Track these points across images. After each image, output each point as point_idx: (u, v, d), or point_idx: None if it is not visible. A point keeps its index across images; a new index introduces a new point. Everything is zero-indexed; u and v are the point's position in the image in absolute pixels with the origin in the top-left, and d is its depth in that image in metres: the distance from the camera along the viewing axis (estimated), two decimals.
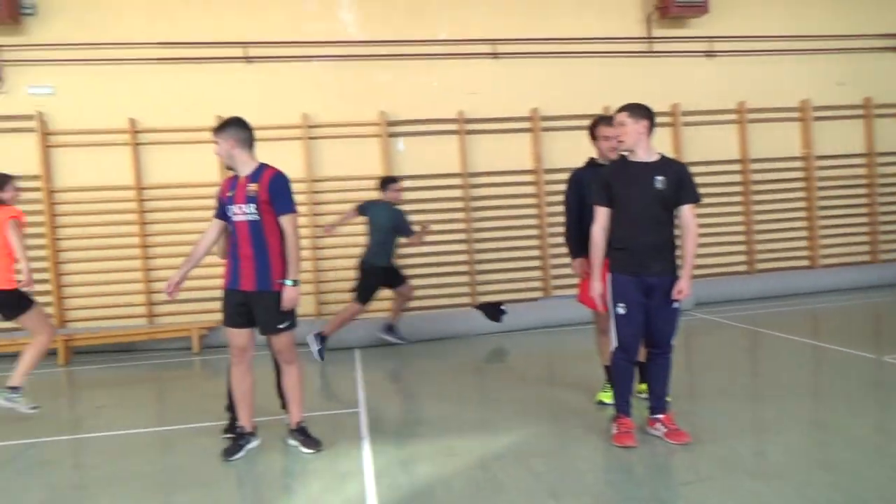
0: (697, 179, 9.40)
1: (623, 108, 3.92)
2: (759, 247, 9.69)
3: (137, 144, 8.30)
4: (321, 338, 6.72)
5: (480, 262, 8.98)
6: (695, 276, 9.53)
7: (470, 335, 7.68)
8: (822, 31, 9.76)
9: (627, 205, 3.87)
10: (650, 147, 3.92)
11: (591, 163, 4.66)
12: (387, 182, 6.99)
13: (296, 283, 3.96)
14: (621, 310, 3.90)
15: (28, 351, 5.13)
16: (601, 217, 3.96)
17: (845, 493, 3.14)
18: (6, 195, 5.22)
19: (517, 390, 5.41)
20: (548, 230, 8.99)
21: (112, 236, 8.29)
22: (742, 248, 9.68)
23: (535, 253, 9.14)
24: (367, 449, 4.14)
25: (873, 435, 3.96)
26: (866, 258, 10.03)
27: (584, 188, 4.39)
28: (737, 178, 9.65)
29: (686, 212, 3.94)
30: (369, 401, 5.25)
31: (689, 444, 3.85)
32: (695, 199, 3.95)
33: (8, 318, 5.20)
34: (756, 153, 9.64)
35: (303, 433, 4.21)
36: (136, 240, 8.28)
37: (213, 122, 8.22)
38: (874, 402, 4.70)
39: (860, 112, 10.00)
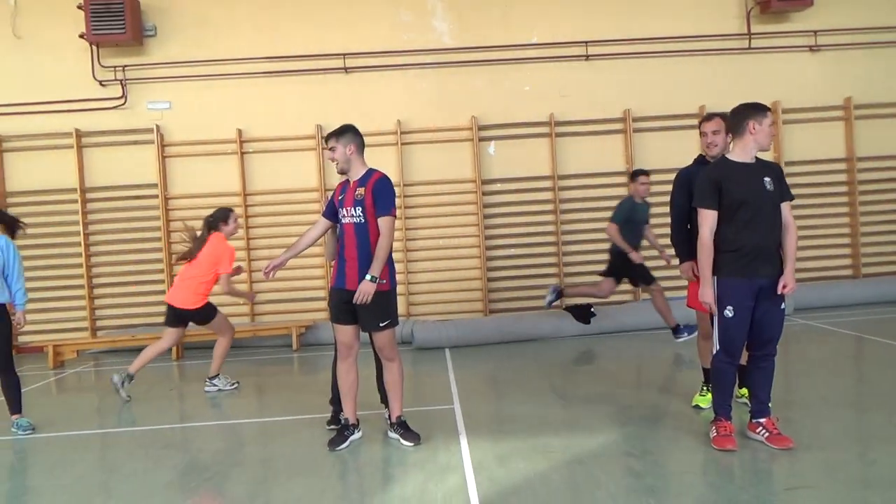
0: (800, 179, 9.10)
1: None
2: (866, 250, 9.21)
3: (244, 153, 8.83)
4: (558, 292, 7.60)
5: (569, 264, 8.99)
6: (797, 280, 9.20)
7: (558, 337, 7.72)
8: None
9: (739, 207, 3.85)
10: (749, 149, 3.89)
11: (701, 160, 4.56)
12: (636, 175, 7.04)
13: (374, 279, 4.09)
14: (729, 313, 3.87)
15: (219, 346, 6.27)
16: (710, 220, 3.91)
17: None
18: (227, 227, 6.13)
19: (608, 391, 5.43)
20: None
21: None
22: (847, 251, 9.23)
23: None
24: (464, 443, 4.29)
25: None
26: None
27: (694, 187, 4.34)
28: (842, 177, 9.21)
29: (786, 210, 3.91)
30: (462, 398, 5.41)
31: (793, 448, 3.78)
32: (791, 197, 3.98)
33: (201, 324, 6.29)
34: (864, 151, 9.17)
35: (403, 427, 4.40)
36: (241, 242, 8.80)
37: (314, 132, 8.73)
38: None
39: None
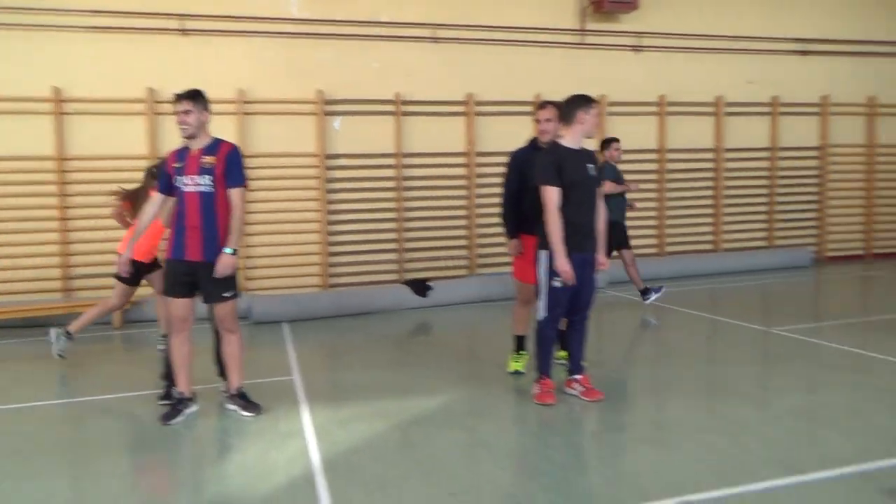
0: (620, 166, 9.96)
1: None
2: (671, 231, 10.39)
3: (62, 114, 8.09)
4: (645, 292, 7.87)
5: (410, 240, 9.26)
6: (610, 258, 10.15)
7: (397, 310, 7.96)
8: (736, 32, 10.48)
9: (574, 187, 4.23)
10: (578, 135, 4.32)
11: (533, 144, 4.88)
12: (609, 142, 7.81)
13: (235, 252, 4.13)
14: (558, 283, 4.26)
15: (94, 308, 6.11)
16: (556, 196, 4.19)
17: (733, 439, 3.63)
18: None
19: (444, 359, 5.74)
20: (476, 211, 9.35)
21: (27, 208, 8.05)
22: (654, 231, 10.36)
23: (464, 233, 9.50)
24: (305, 411, 4.37)
25: (760, 392, 4.51)
26: (763, 243, 10.93)
27: (526, 168, 4.68)
28: (654, 166, 10.29)
29: (598, 195, 4.43)
30: (303, 369, 5.46)
31: (602, 400, 4.29)
32: (602, 183, 4.54)
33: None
34: (672, 144, 10.30)
35: (243, 398, 4.39)
36: (54, 212, 8.08)
37: (144, 95, 8.18)
38: (762, 366, 5.30)
39: (767, 109, 10.82)
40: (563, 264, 4.17)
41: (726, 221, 10.70)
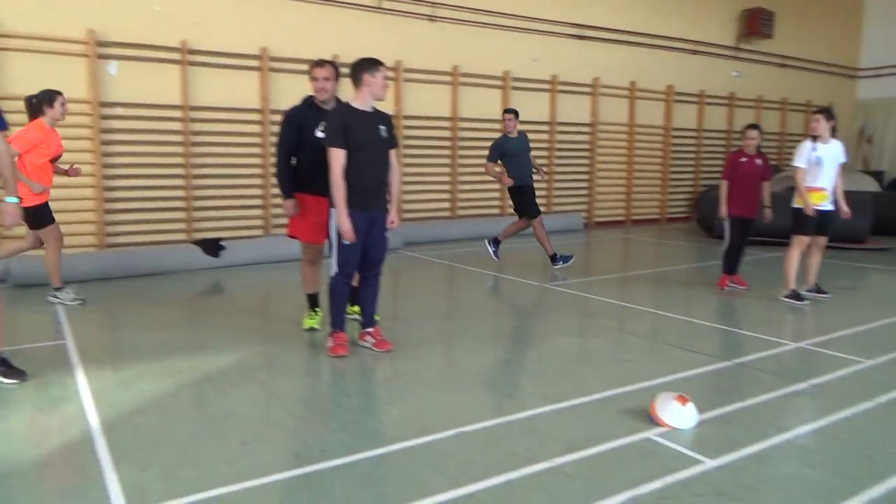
0: (414, 133, 10.27)
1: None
2: (462, 195, 11.01)
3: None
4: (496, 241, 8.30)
5: (199, 198, 8.81)
6: (405, 219, 10.48)
7: (186, 271, 7.59)
8: (523, 13, 11.22)
9: (361, 148, 4.31)
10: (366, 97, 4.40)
11: (309, 101, 4.84)
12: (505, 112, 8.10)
13: (17, 200, 3.82)
14: (347, 241, 4.36)
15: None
16: (341, 158, 4.26)
17: (508, 378, 4.06)
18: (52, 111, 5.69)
19: (236, 318, 5.64)
20: (271, 170, 9.13)
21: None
22: (447, 195, 10.91)
23: (258, 192, 9.25)
24: (80, 374, 4.08)
25: (534, 338, 5.05)
26: (542, 209, 11.99)
27: (304, 125, 4.69)
28: (447, 133, 10.77)
29: (392, 156, 4.57)
30: (76, 332, 5.04)
31: (392, 350, 4.54)
32: (397, 145, 4.71)
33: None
34: (464, 113, 10.84)
35: (3, 364, 3.98)
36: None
37: None
38: (539, 314, 5.92)
39: (548, 87, 11.79)
40: (345, 223, 4.28)
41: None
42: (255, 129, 9.10)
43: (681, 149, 13.90)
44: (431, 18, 10.38)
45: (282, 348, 4.72)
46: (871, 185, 12.69)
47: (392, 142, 4.55)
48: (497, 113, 11.18)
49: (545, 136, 11.87)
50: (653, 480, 2.78)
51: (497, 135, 11.19)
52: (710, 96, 14.05)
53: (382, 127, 4.45)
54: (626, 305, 6.20)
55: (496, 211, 11.49)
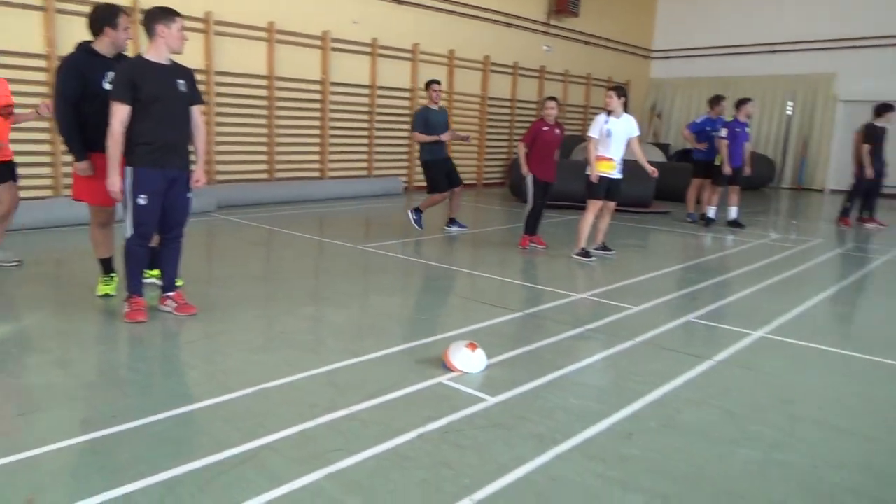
0: (226, 90, 9.85)
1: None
2: (279, 157, 10.78)
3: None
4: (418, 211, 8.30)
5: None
6: (219, 181, 10.11)
7: None
8: None
9: (155, 103, 4.09)
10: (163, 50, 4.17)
11: (84, 46, 4.44)
12: (429, 84, 8.07)
13: None
14: (143, 200, 4.15)
15: None
16: (122, 113, 4.02)
17: (314, 337, 4.16)
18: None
19: (22, 286, 5.17)
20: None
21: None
22: (264, 157, 10.63)
23: (46, 148, 8.41)
24: None
25: (359, 296, 5.17)
26: (364, 172, 12.11)
27: (88, 77, 4.34)
28: (263, 92, 10.43)
29: (196, 113, 4.39)
30: None
31: (198, 314, 4.44)
32: (201, 101, 4.52)
33: None
34: (281, 72, 10.55)
35: None
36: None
37: None
38: (356, 276, 6.04)
39: (368, 50, 11.78)
40: (113, 184, 4.11)
41: (332, 151, 11.51)
42: (41, 76, 8.21)
43: (496, 117, 14.61)
44: None
45: (73, 316, 4.42)
46: (657, 156, 14.23)
47: (193, 97, 4.36)
48: (317, 74, 11.04)
49: (366, 101, 11.91)
50: (440, 419, 3.04)
51: (315, 95, 11.12)
52: (523, 68, 14.85)
53: (181, 81, 4.26)
54: (436, 265, 6.52)
55: (316, 174, 11.40)
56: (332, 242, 7.46)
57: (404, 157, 12.82)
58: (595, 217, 6.94)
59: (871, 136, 9.82)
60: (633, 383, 3.58)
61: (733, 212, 9.71)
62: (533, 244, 7.42)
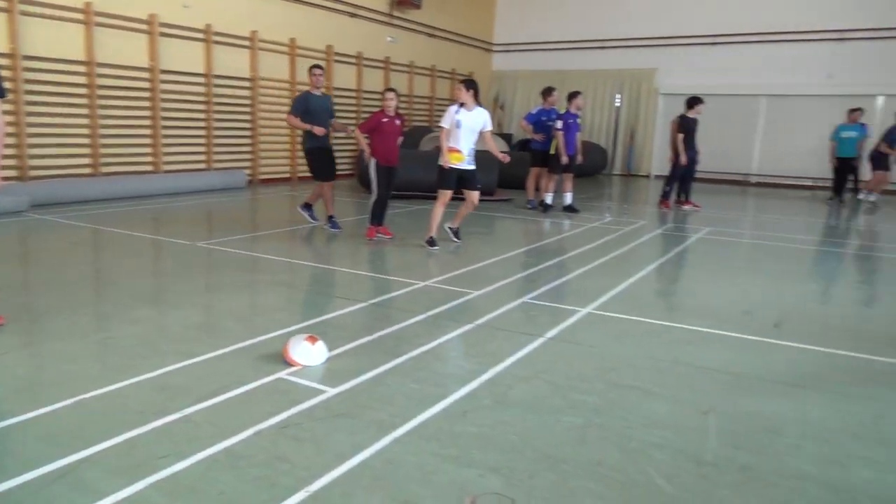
0: (40, 77, 9.03)
1: None
2: (104, 150, 9.97)
3: None
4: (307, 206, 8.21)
5: None
6: (33, 177, 9.22)
7: None
8: None
9: None
10: None
11: None
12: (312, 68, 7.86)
13: None
14: None
15: None
16: None
17: (142, 339, 3.92)
18: None
19: None
20: None
21: None
22: (87, 150, 9.79)
23: None
24: None
25: (193, 295, 4.91)
26: (203, 165, 11.53)
27: None
28: (83, 80, 9.59)
29: None
30: None
31: (4, 325, 4.02)
32: (3, 94, 4.07)
33: None
34: (103, 58, 9.75)
35: None
36: None
37: None
38: (192, 275, 5.73)
39: (202, 36, 11.18)
40: None
41: (166, 143, 10.83)
42: None
43: (342, 108, 14.44)
44: None
45: None
46: (501, 146, 14.80)
47: None
48: (143, 61, 10.33)
49: (202, 90, 11.32)
50: (278, 414, 2.99)
51: (143, 84, 10.41)
52: (367, 59, 14.81)
53: None
54: (280, 259, 6.37)
55: (149, 168, 10.68)
56: (167, 240, 7.04)
57: (247, 148, 12.35)
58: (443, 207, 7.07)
59: (684, 127, 10.84)
60: (469, 364, 3.73)
61: (568, 198, 10.33)
62: (380, 234, 7.45)
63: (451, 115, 6.88)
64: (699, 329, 4.57)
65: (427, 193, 9.48)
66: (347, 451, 2.70)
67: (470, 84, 6.95)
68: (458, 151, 6.89)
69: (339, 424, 2.93)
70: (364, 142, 7.30)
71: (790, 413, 3.24)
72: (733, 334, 4.46)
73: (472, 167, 7.04)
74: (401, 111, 7.59)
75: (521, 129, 17.43)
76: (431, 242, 7.02)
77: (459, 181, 7.00)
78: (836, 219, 11.10)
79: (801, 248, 8.02)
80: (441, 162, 6.96)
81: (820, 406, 3.34)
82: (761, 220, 10.71)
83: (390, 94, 7.27)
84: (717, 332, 4.50)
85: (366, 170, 8.16)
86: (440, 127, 7.05)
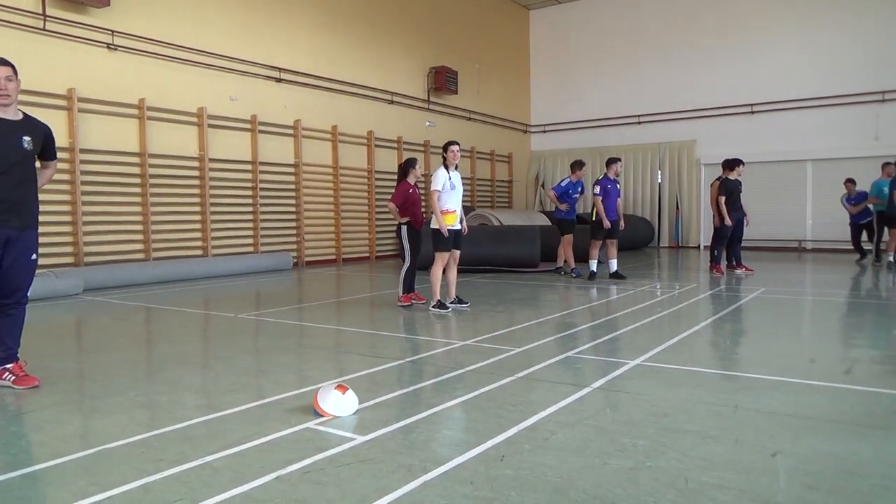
0: (96, 168, 9.49)
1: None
2: (156, 236, 10.29)
3: None
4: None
5: None
6: (87, 263, 9.46)
7: None
8: (218, 50, 11.07)
9: None
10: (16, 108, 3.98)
11: None
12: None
13: None
14: None
15: None
16: None
17: (171, 396, 3.82)
18: None
19: None
20: None
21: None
22: (140, 236, 10.11)
23: None
24: None
25: (228, 358, 4.84)
26: (250, 249, 11.76)
27: None
28: (136, 170, 10.04)
29: (45, 170, 4.17)
30: None
31: (38, 386, 3.99)
32: (55, 157, 4.30)
33: None
34: (155, 149, 10.23)
35: None
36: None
37: None
38: (230, 341, 5.68)
39: (248, 126, 11.70)
40: None
41: (214, 228, 11.14)
42: None
43: (384, 190, 14.73)
44: (111, 47, 9.72)
45: None
46: (542, 221, 14.77)
47: (37, 153, 4.11)
48: (194, 150, 10.81)
49: (248, 176, 11.72)
50: (302, 460, 2.81)
51: (193, 172, 10.83)
52: (407, 142, 15.20)
53: (26, 138, 4.00)
54: (319, 326, 6.29)
55: (198, 252, 10.95)
56: (212, 314, 7.07)
57: (292, 232, 12.60)
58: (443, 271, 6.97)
59: (726, 188, 10.59)
60: (508, 413, 3.49)
61: (613, 264, 10.09)
62: (414, 300, 7.36)
63: (444, 178, 6.87)
64: (761, 377, 4.23)
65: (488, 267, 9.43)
66: (372, 493, 2.48)
67: (448, 145, 7.00)
68: (454, 212, 6.88)
69: (365, 469, 2.73)
70: (395, 211, 7.35)
71: (868, 454, 2.89)
72: (800, 381, 4.10)
73: (461, 227, 7.04)
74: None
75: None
76: (442, 306, 6.87)
77: (453, 243, 6.99)
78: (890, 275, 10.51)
79: (861, 303, 7.54)
80: (435, 226, 6.87)
81: None
82: (818, 280, 10.21)
83: (417, 167, 7.44)
84: (781, 378, 4.15)
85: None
86: (434, 191, 6.94)
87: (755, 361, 4.70)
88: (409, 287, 7.36)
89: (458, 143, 7.16)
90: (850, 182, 12.95)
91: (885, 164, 12.33)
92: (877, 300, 8.03)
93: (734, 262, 10.91)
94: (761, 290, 8.51)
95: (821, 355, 4.85)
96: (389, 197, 7.61)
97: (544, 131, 20.07)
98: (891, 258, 11.60)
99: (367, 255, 14.25)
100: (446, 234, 6.82)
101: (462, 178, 7.31)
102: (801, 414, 3.45)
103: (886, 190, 11.87)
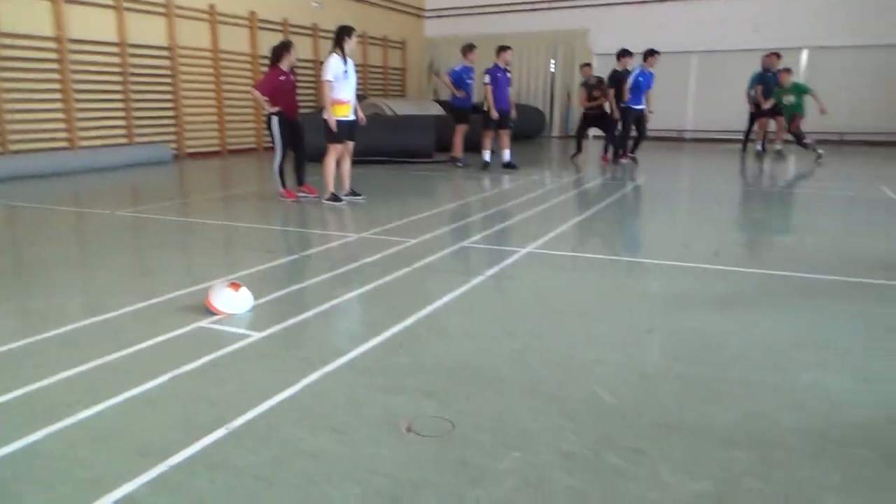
0: None
1: None
2: (11, 126, 9.30)
3: None
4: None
5: None
6: None
7: None
8: None
9: None
10: None
11: None
12: None
13: None
14: None
15: None
16: None
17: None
18: None
19: None
20: None
21: None
22: None
23: None
24: None
25: (105, 257, 4.58)
26: (124, 140, 10.93)
27: None
28: None
29: None
30: None
31: None
32: None
33: None
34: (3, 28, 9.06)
35: None
36: None
37: None
38: (113, 240, 5.37)
39: (112, 3, 10.52)
40: None
41: (80, 118, 10.20)
42: None
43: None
44: None
45: None
46: (438, 111, 14.58)
47: None
48: (48, 30, 9.66)
49: (116, 60, 10.69)
50: (199, 359, 2.77)
51: (51, 55, 9.74)
52: (294, 25, 14.28)
53: None
54: (206, 222, 6.05)
55: (64, 144, 10.05)
56: (84, 211, 6.62)
57: (171, 122, 11.77)
58: (337, 161, 6.82)
59: (613, 80, 10.79)
60: (404, 303, 3.57)
61: (507, 154, 10.21)
62: (305, 193, 7.18)
63: (339, 66, 6.59)
64: (639, 260, 4.54)
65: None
66: (272, 387, 2.51)
67: (350, 31, 6.69)
68: (347, 103, 6.69)
69: (264, 364, 2.74)
70: (261, 100, 7.01)
71: (733, 327, 3.21)
72: (673, 263, 4.43)
73: (355, 118, 6.85)
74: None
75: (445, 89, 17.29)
76: (336, 198, 6.78)
77: (347, 134, 6.78)
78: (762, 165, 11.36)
79: (733, 193, 8.14)
80: (326, 116, 6.63)
81: (762, 320, 3.32)
82: (695, 171, 10.86)
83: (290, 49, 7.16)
84: (656, 262, 4.47)
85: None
86: (324, 80, 6.60)
87: (634, 247, 5.02)
88: (297, 181, 7.14)
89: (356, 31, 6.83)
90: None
91: (767, 55, 12.80)
92: (751, 188, 8.68)
93: (620, 152, 11.31)
94: (643, 179, 8.96)
95: (693, 240, 5.24)
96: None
97: (439, 16, 19.41)
98: (777, 147, 12.39)
99: (255, 146, 13.63)
100: (335, 128, 6.59)
101: (354, 65, 6.98)
102: (673, 293, 3.76)
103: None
